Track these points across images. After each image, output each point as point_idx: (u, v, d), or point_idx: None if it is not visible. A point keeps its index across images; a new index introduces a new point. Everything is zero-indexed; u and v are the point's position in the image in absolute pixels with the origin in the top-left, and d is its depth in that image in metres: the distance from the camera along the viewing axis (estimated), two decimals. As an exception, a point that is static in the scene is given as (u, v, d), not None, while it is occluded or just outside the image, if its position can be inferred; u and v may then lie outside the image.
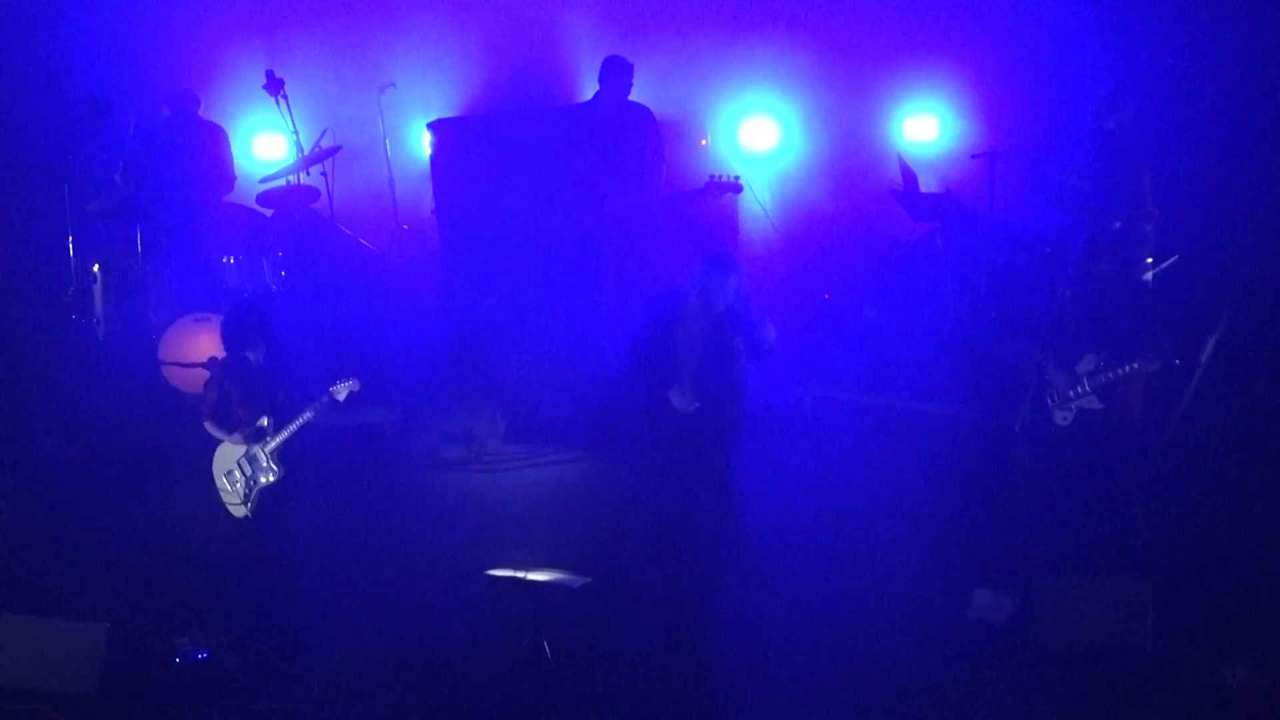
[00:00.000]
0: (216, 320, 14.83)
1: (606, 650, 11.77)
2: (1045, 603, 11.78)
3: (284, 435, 12.10)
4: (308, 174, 16.00)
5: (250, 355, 12.31)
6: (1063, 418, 12.52)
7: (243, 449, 12.17)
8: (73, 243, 15.80)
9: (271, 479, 12.03)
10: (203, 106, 16.42)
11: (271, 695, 11.50)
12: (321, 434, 12.73)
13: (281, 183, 16.08)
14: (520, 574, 11.57)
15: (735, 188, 16.07)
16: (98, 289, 15.73)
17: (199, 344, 14.76)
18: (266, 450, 12.03)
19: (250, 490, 12.11)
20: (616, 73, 16.08)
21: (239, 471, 12.13)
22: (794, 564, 12.83)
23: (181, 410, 14.82)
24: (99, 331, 15.74)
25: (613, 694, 11.35)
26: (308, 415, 12.00)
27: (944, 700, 11.22)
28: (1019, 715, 11.09)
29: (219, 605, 12.29)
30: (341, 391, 12.04)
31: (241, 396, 12.23)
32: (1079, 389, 12.41)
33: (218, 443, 12.43)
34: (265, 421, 12.11)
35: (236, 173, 16.68)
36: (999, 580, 12.32)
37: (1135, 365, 12.27)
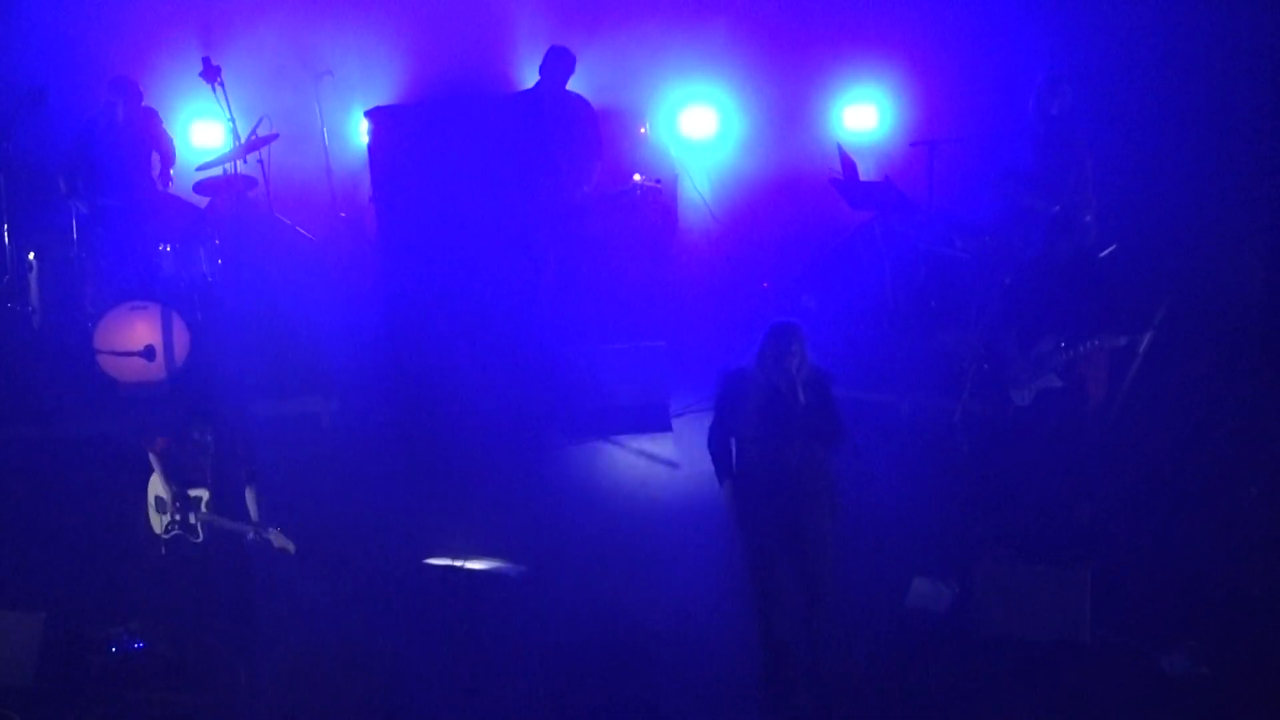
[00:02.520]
0: (153, 309, 14.76)
1: (543, 639, 11.75)
2: (984, 590, 11.80)
3: (215, 522, 11.88)
4: (245, 162, 15.89)
5: (198, 437, 12.06)
6: (1021, 397, 12.50)
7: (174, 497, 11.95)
8: (7, 231, 15.64)
9: (195, 539, 11.82)
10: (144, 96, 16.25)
11: (208, 685, 11.45)
12: (259, 424, 12.66)
13: (218, 171, 15.95)
14: (457, 563, 11.55)
15: (656, 191, 16.23)
16: (33, 277, 15.57)
17: (135, 332, 14.67)
18: (197, 517, 11.80)
19: (171, 529, 11.91)
20: (558, 62, 16.04)
21: (169, 511, 11.91)
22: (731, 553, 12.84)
23: (117, 399, 14.73)
24: (35, 320, 15.60)
25: (548, 683, 11.34)
26: (242, 529, 11.79)
27: (882, 689, 11.24)
28: (958, 703, 11.11)
29: (155, 595, 12.21)
30: (276, 540, 11.78)
31: (183, 464, 11.99)
32: (1039, 369, 12.39)
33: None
34: (204, 495, 11.88)
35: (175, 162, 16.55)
36: (938, 569, 12.35)
37: (1097, 342, 12.29)
